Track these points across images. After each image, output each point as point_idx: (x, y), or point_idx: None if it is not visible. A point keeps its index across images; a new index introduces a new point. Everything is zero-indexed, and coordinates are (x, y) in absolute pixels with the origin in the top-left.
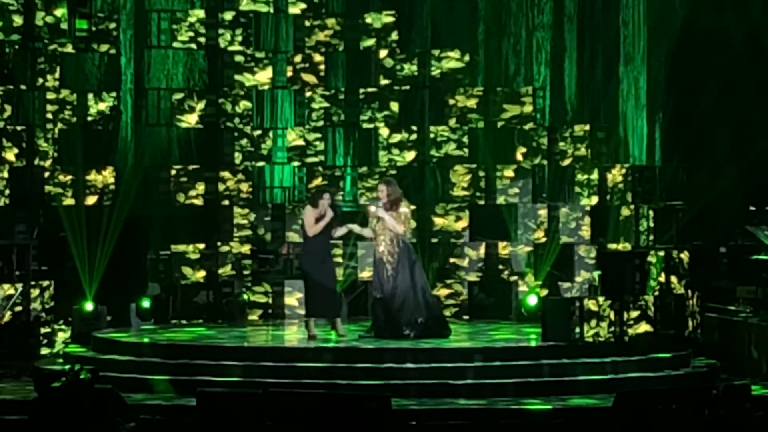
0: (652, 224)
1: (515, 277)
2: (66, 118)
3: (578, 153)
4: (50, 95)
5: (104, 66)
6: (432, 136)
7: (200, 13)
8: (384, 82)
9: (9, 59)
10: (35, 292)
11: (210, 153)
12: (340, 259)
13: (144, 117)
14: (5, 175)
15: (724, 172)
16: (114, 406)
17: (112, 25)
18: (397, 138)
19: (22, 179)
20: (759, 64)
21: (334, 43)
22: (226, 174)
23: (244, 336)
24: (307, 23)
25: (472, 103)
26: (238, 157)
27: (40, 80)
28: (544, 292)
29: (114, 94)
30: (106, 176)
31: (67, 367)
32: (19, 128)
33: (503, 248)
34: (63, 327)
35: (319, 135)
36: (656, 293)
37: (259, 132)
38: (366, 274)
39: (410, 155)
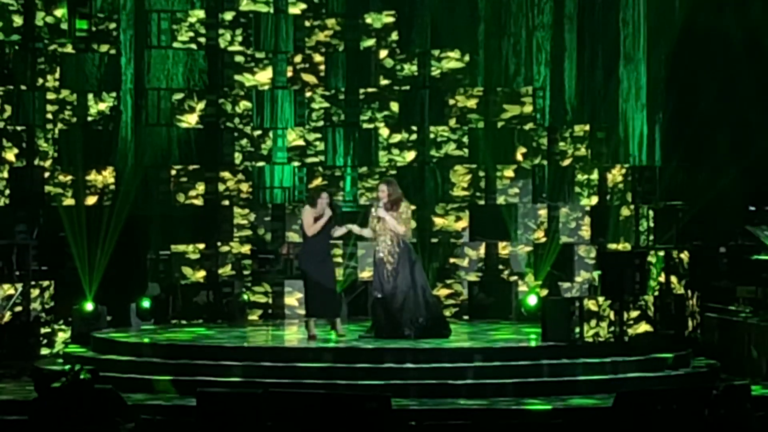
0: (652, 224)
1: (515, 277)
2: (66, 119)
3: (578, 153)
4: (50, 95)
5: (104, 66)
6: (432, 136)
7: (200, 14)
8: (384, 82)
9: (9, 59)
10: (35, 292)
11: (210, 153)
12: (340, 259)
13: (144, 117)
14: (5, 175)
15: (724, 172)
16: (114, 406)
17: (112, 26)
18: (397, 138)
19: (22, 179)
20: (759, 64)
21: (334, 44)
22: (226, 174)
23: (244, 336)
24: (307, 23)
25: (472, 103)
26: (238, 157)
27: (40, 80)
28: (544, 292)
29: (114, 94)
30: (106, 176)
31: (67, 367)
32: (19, 128)
33: (503, 248)
34: (63, 327)
35: (319, 135)
36: (656, 293)
37: (259, 132)
38: (366, 274)
39: (410, 155)
